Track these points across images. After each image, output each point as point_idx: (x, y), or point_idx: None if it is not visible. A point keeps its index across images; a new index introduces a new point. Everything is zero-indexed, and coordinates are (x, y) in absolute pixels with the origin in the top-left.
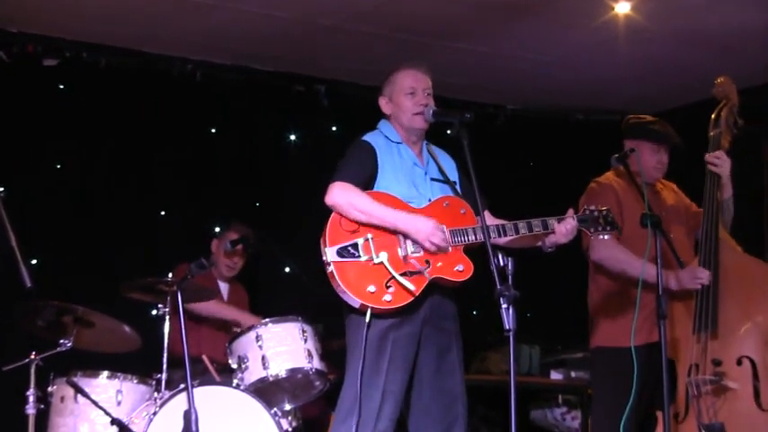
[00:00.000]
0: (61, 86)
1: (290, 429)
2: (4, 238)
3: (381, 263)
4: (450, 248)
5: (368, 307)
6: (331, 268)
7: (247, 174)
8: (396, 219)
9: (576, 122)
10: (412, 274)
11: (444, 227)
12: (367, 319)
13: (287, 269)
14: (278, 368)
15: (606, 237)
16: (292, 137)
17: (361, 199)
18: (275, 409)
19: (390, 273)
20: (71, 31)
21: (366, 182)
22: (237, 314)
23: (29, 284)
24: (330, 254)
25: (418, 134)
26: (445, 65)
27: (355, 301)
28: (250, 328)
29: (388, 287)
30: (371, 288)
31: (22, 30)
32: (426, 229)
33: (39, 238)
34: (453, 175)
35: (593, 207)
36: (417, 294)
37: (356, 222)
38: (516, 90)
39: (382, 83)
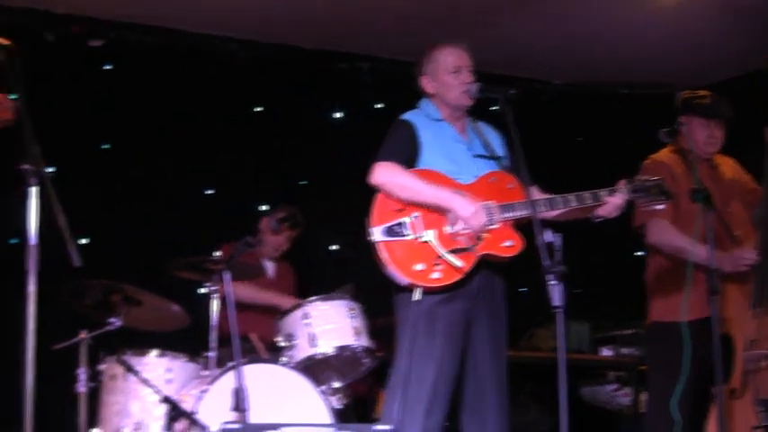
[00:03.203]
0: (106, 67)
1: (338, 407)
2: (53, 218)
3: (428, 241)
4: (496, 225)
5: (416, 285)
6: (378, 248)
7: (292, 152)
8: (440, 197)
9: (624, 97)
10: (460, 251)
11: (492, 203)
12: (417, 296)
13: (333, 247)
14: (326, 346)
15: (660, 207)
16: (336, 114)
17: (405, 177)
18: (323, 386)
19: (438, 251)
20: (116, 11)
21: (409, 160)
22: (274, 298)
23: (77, 263)
24: (377, 233)
25: (462, 111)
26: (490, 40)
27: (403, 280)
28: (297, 306)
29: (436, 265)
30: (419, 266)
31: (67, 11)
32: (470, 208)
33: (87, 218)
34: (500, 150)
35: (645, 177)
36: (466, 271)
37: (401, 201)
38: (562, 65)
39: (421, 61)
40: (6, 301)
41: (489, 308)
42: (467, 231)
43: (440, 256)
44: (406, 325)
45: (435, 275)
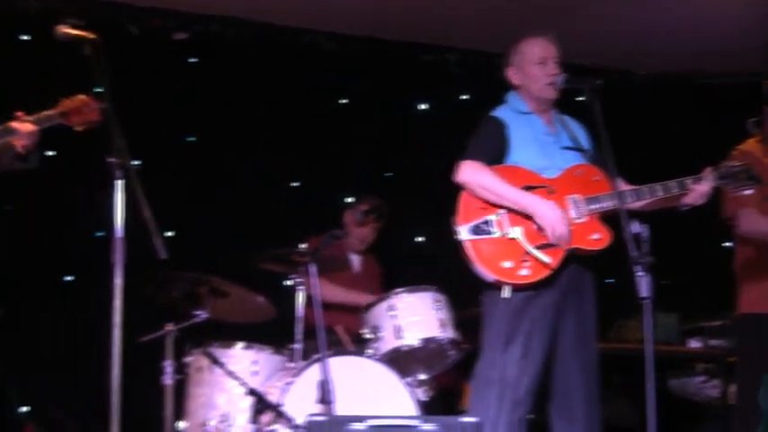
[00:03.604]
0: (191, 60)
1: (424, 399)
2: (139, 210)
3: (515, 238)
4: (582, 218)
5: (505, 283)
6: (465, 246)
7: (378, 144)
8: (522, 203)
9: (710, 87)
10: (548, 246)
11: (578, 196)
12: (506, 294)
13: (418, 239)
14: (411, 338)
15: (748, 192)
16: (422, 106)
17: (490, 179)
18: (409, 378)
19: (525, 247)
20: (200, 4)
21: (496, 158)
22: (357, 297)
23: (163, 256)
24: (463, 232)
25: (548, 103)
26: (575, 31)
27: (491, 277)
28: (383, 299)
29: (524, 261)
30: (507, 264)
31: (151, 4)
32: (552, 216)
33: (173, 211)
34: (585, 142)
35: (731, 163)
36: (555, 267)
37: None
38: (647, 55)
39: (507, 53)
40: (93, 294)
41: (578, 302)
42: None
43: (527, 253)
44: (494, 321)
45: (524, 272)
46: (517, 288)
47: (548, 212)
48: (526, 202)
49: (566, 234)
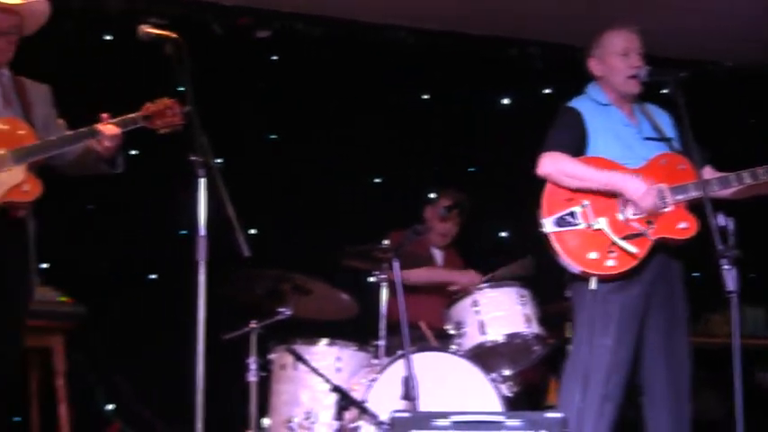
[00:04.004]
0: (274, 58)
1: (509, 395)
2: (222, 208)
3: (601, 228)
4: (668, 208)
5: (591, 274)
6: (550, 238)
7: (461, 139)
8: (609, 181)
9: None
10: (634, 236)
11: (664, 185)
12: (593, 286)
13: (502, 234)
14: (496, 333)
15: None
16: (505, 101)
17: (572, 165)
18: (494, 374)
19: (611, 238)
20: (283, 2)
21: (576, 148)
22: (449, 274)
23: (246, 253)
24: (548, 224)
25: (630, 95)
26: (659, 22)
27: (577, 269)
28: (467, 294)
29: (610, 252)
30: (593, 255)
31: (235, 3)
32: (641, 189)
33: (256, 209)
34: (670, 131)
35: None
36: (642, 257)
37: (570, 190)
38: (733, 46)
39: (590, 44)
40: (177, 292)
41: (666, 293)
42: (639, 216)
43: (613, 243)
44: (581, 313)
45: (610, 263)
46: (604, 279)
47: (636, 185)
48: (613, 180)
49: (655, 206)
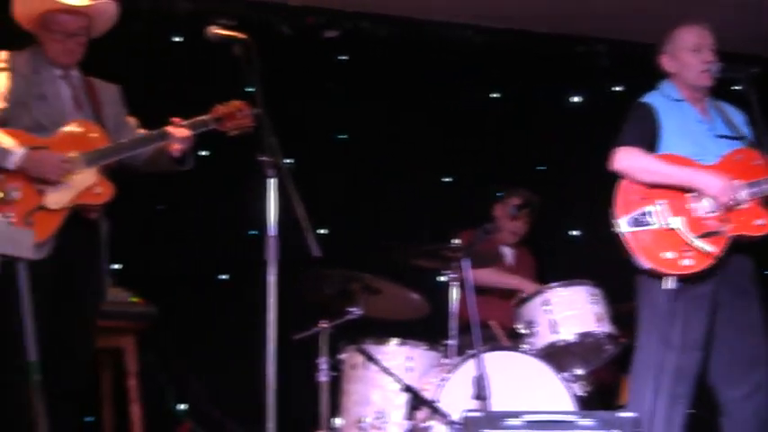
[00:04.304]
0: (341, 58)
1: (581, 394)
2: (292, 209)
3: (676, 228)
4: (745, 203)
5: (668, 274)
6: (625, 238)
7: (530, 137)
8: (685, 176)
9: None
10: (710, 234)
11: (739, 181)
12: (670, 285)
13: (573, 232)
14: (567, 332)
15: None
16: (574, 99)
17: (648, 160)
18: (566, 373)
19: (687, 237)
20: (351, 2)
21: (649, 143)
22: (516, 281)
23: (316, 253)
24: (622, 224)
25: (702, 91)
26: (730, 18)
27: (648, 265)
28: (538, 293)
29: (685, 251)
30: (669, 254)
31: (303, 3)
32: (717, 183)
33: (325, 208)
34: (744, 128)
35: None
36: (718, 255)
37: (646, 186)
38: None
39: (662, 41)
40: (247, 292)
41: (737, 290)
42: (715, 214)
43: (689, 243)
44: (649, 311)
45: (686, 262)
46: (679, 278)
47: (714, 182)
48: (690, 176)
49: (733, 202)
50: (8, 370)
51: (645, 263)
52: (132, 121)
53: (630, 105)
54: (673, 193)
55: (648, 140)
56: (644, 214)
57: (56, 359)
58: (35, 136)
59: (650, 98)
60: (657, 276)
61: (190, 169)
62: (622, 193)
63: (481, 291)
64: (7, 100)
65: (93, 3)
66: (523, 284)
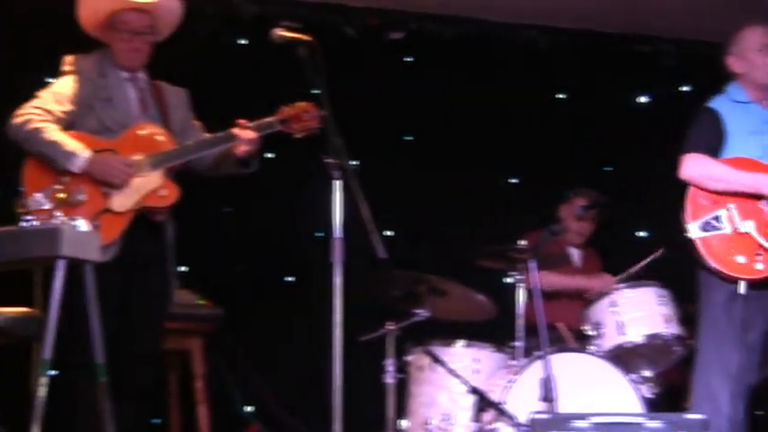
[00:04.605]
0: (407, 59)
1: (649, 396)
2: (358, 210)
3: (748, 232)
4: None
5: (740, 278)
6: (695, 243)
7: (596, 137)
8: (754, 182)
9: None
10: None
11: None
12: (741, 290)
13: (641, 233)
14: (635, 334)
15: None
16: (640, 99)
17: (716, 167)
18: (633, 375)
19: (759, 241)
20: (415, 2)
21: (716, 149)
22: (582, 281)
23: (382, 255)
24: (693, 229)
25: None
26: None
27: (724, 273)
28: (605, 294)
29: (757, 255)
30: (740, 259)
31: (367, 5)
32: None
33: (391, 210)
34: None
35: None
36: None
37: (715, 193)
38: None
39: (728, 42)
40: (313, 294)
41: None
42: None
43: (761, 246)
44: (711, 312)
45: (759, 266)
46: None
47: None
48: (758, 182)
49: None
50: (76, 372)
51: (716, 267)
52: (198, 124)
53: (696, 110)
54: (743, 196)
55: (714, 146)
56: (715, 218)
57: (124, 361)
58: (101, 138)
59: (716, 103)
60: (722, 278)
61: (254, 172)
62: (692, 197)
63: (548, 293)
64: (73, 103)
65: (158, 0)
66: (591, 283)
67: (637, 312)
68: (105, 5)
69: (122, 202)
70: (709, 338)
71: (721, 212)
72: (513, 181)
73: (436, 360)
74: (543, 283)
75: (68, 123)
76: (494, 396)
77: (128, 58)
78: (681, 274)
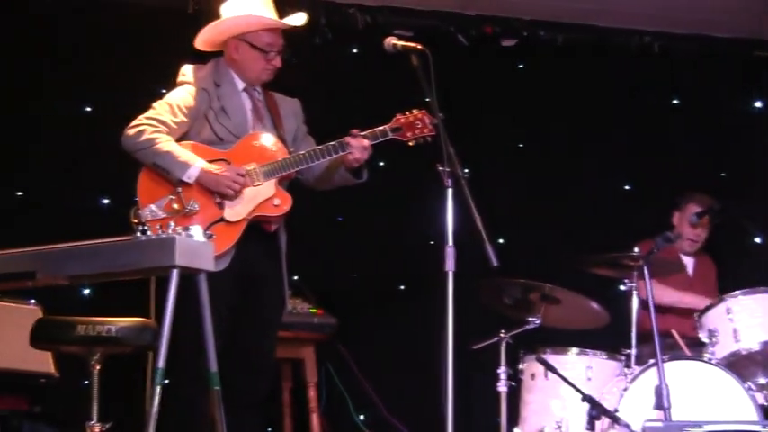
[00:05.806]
0: (520, 66)
1: (765, 404)
2: (470, 218)
3: None
4: None
5: None
6: None
7: (710, 143)
8: None
9: None
10: None
11: None
12: None
13: (756, 240)
14: (750, 341)
15: None
16: (757, 104)
17: None
18: (749, 383)
19: None
20: (527, 9)
21: None
22: (693, 300)
23: (495, 263)
24: None
25: None
26: None
27: None
28: (720, 300)
29: None
30: None
31: (479, 12)
32: None
33: (504, 218)
34: None
35: None
36: None
37: None
38: None
39: None
40: (426, 302)
41: None
42: None
43: None
44: None
45: None
46: None
47: None
48: None
49: None
50: (190, 381)
51: None
52: (310, 138)
53: None
54: None
55: None
56: None
57: (239, 370)
58: (215, 149)
59: None
60: None
61: (365, 182)
62: None
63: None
64: (188, 113)
65: (297, 24)
66: (700, 302)
67: (752, 319)
68: (251, 25)
69: (236, 211)
70: None
71: None
72: (627, 188)
73: (549, 368)
74: (661, 298)
75: (182, 134)
76: (607, 404)
77: (263, 75)
78: None
